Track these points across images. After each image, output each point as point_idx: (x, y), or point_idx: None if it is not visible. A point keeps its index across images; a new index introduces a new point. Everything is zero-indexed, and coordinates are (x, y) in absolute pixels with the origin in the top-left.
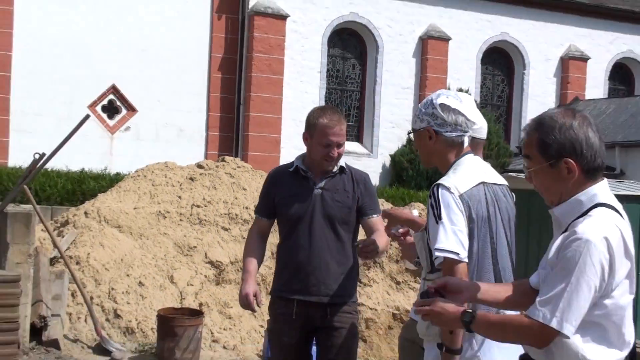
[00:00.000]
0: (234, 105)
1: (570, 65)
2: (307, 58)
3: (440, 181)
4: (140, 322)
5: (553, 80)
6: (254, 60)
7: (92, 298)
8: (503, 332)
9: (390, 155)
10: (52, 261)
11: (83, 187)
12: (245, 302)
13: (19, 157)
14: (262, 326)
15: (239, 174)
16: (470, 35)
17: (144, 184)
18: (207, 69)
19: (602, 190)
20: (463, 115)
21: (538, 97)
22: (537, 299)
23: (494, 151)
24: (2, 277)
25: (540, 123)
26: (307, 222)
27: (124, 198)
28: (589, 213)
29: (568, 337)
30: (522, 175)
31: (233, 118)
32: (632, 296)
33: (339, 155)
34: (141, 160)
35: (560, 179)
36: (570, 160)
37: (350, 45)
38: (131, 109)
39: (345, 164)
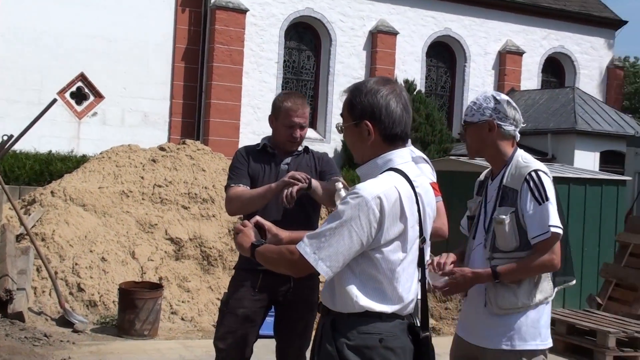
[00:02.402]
0: (196, 93)
1: (507, 58)
2: (265, 49)
3: (536, 166)
4: (102, 295)
5: (491, 73)
6: (215, 51)
7: (56, 273)
8: (274, 261)
9: (342, 141)
10: (19, 238)
11: (50, 168)
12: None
13: None
14: (218, 299)
15: (199, 156)
16: (416, 30)
17: (108, 165)
18: (171, 59)
19: (399, 157)
20: (519, 113)
21: (478, 87)
22: (306, 234)
23: (437, 137)
24: None
25: (355, 87)
26: (274, 195)
27: (89, 178)
28: (379, 175)
29: (331, 275)
30: (463, 159)
31: (195, 105)
32: (405, 254)
33: (302, 137)
34: (107, 144)
35: (362, 139)
36: (369, 123)
37: (306, 38)
38: (98, 96)
39: (308, 147)
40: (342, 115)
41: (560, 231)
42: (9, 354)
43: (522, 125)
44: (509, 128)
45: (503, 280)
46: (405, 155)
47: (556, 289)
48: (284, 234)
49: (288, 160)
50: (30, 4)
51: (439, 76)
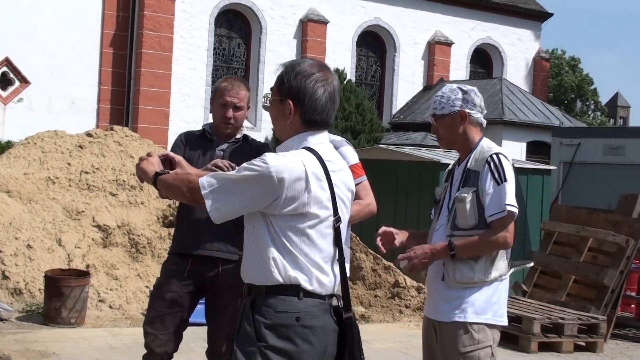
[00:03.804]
0: (125, 80)
1: (436, 49)
2: (195, 36)
3: (497, 150)
4: (28, 283)
5: (421, 63)
6: (144, 38)
7: None
8: (173, 188)
9: (272, 129)
10: None
11: None
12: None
13: None
14: (147, 287)
15: (127, 143)
16: (346, 19)
17: (33, 151)
18: (99, 45)
19: (315, 138)
20: (482, 100)
21: (408, 77)
22: (212, 173)
23: (367, 126)
24: None
25: (290, 64)
26: None
27: (14, 164)
28: (291, 151)
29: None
30: (393, 148)
31: (124, 92)
32: (311, 230)
33: (237, 119)
34: (33, 130)
35: (283, 115)
36: (292, 103)
37: (236, 26)
38: (24, 81)
39: (247, 135)
40: (271, 88)
41: (516, 210)
42: None
43: (484, 112)
44: (477, 115)
45: (458, 253)
46: (321, 137)
47: (512, 270)
48: (194, 170)
49: (224, 146)
50: None
51: (369, 65)
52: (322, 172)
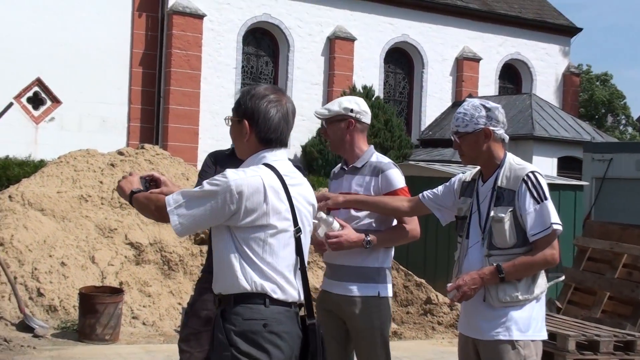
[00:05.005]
0: (154, 98)
1: (465, 65)
2: (223, 55)
3: (532, 168)
4: (62, 300)
5: (449, 79)
6: (173, 57)
7: (15, 278)
8: (145, 206)
9: (302, 146)
10: None
11: (8, 173)
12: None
13: None
14: (179, 303)
15: (158, 161)
16: (374, 36)
17: (66, 170)
18: (128, 64)
19: (272, 155)
20: (504, 116)
21: (436, 93)
22: (180, 190)
23: (396, 143)
24: None
25: (247, 88)
26: None
27: (47, 183)
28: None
29: (177, 228)
30: (423, 164)
31: (153, 110)
32: (273, 239)
33: None
34: (65, 149)
35: (241, 135)
36: (247, 124)
37: (264, 44)
38: (56, 101)
39: None
40: (232, 110)
41: (561, 228)
42: None
43: (506, 127)
44: (500, 132)
45: (507, 277)
46: (279, 155)
47: (547, 285)
48: (176, 189)
49: None
50: None
51: (397, 82)
52: (280, 185)
